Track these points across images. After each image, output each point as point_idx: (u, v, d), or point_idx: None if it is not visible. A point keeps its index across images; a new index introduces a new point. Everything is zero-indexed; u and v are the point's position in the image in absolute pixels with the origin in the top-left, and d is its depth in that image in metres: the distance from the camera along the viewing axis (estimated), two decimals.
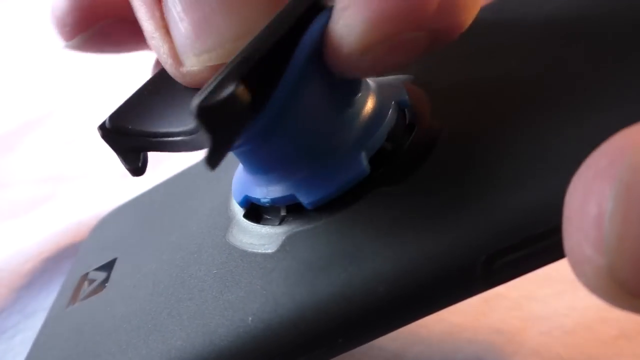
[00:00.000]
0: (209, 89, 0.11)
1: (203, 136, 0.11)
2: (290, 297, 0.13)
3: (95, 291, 0.18)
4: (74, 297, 0.18)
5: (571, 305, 0.19)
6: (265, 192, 0.14)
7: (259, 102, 0.12)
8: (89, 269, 0.19)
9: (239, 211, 0.15)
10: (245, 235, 0.15)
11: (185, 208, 0.18)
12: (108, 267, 0.19)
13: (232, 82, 0.11)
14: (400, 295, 0.12)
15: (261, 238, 0.14)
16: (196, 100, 0.11)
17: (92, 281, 0.19)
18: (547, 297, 0.19)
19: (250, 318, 0.13)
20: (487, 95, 0.14)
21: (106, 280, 0.18)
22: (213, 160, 0.11)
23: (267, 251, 0.14)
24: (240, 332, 0.13)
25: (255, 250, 0.14)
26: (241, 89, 0.11)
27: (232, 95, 0.11)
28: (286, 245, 0.14)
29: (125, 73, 0.43)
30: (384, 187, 0.13)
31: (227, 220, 0.16)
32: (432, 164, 0.13)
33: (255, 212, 0.15)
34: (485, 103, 0.14)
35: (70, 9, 0.17)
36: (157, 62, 0.19)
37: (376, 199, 0.13)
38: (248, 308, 0.13)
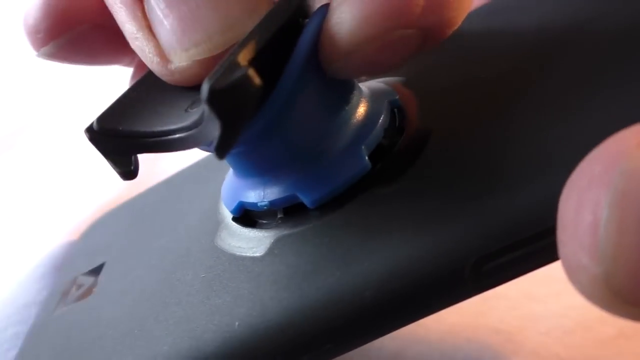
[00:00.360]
0: (218, 73, 0.11)
1: (212, 123, 0.11)
2: (277, 302, 0.12)
3: (83, 295, 0.18)
4: (61, 301, 0.18)
5: (570, 305, 0.19)
6: (262, 195, 0.14)
7: (265, 92, 0.12)
8: (78, 273, 0.19)
9: (228, 215, 0.15)
10: (234, 238, 0.15)
11: (175, 212, 0.18)
12: (96, 271, 0.18)
13: (241, 65, 0.11)
14: (387, 300, 0.11)
15: (250, 241, 0.14)
16: (206, 84, 0.10)
17: (80, 285, 0.18)
18: (546, 297, 0.19)
19: (237, 323, 0.13)
20: (478, 98, 0.14)
21: (94, 284, 0.18)
22: (222, 149, 0.11)
23: (255, 255, 0.14)
24: (227, 337, 0.13)
25: (243, 254, 0.14)
26: (252, 71, 0.11)
27: (245, 77, 0.11)
28: (274, 249, 0.13)
29: (113, 75, 0.43)
30: (373, 189, 0.13)
31: (216, 223, 0.16)
32: (421, 165, 0.13)
33: (246, 216, 0.15)
34: (476, 106, 0.13)
35: (43, 15, 0.17)
36: (135, 73, 0.18)
37: (365, 201, 0.13)
38: (235, 313, 0.13)
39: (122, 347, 0.14)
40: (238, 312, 0.13)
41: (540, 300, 0.19)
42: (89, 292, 0.18)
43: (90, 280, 0.18)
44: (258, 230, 0.14)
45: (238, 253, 0.14)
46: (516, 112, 0.13)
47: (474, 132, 0.13)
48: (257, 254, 0.14)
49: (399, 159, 0.13)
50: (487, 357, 0.18)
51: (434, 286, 0.11)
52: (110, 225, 0.21)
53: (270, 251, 0.13)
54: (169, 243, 0.17)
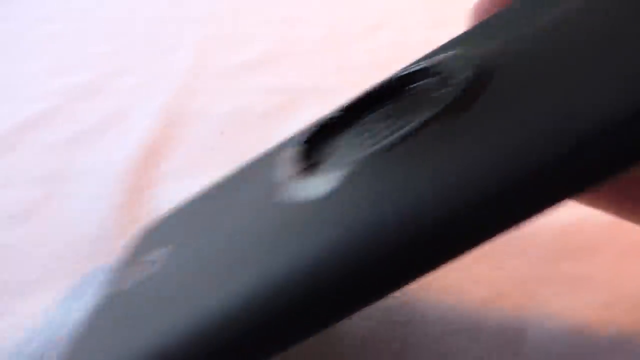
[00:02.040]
0: None
1: None
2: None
3: (145, 275, 0.19)
4: (124, 281, 0.19)
5: (572, 305, 0.19)
6: None
7: None
8: (140, 256, 0.20)
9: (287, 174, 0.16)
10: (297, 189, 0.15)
11: (231, 203, 0.19)
12: (158, 253, 0.19)
13: None
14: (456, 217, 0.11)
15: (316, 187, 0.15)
16: None
17: (142, 264, 0.19)
18: (547, 297, 0.19)
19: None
20: (539, 48, 0.14)
21: (154, 264, 0.19)
22: None
23: (317, 197, 0.14)
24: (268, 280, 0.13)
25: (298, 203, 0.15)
26: None
27: None
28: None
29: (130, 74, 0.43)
30: (435, 126, 0.13)
31: (273, 190, 0.16)
32: (486, 100, 0.13)
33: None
34: (537, 52, 0.14)
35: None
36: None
37: (429, 137, 0.13)
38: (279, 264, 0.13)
39: (182, 305, 0.15)
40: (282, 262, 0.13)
41: (542, 300, 0.19)
42: (149, 270, 0.19)
43: (152, 260, 0.19)
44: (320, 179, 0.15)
45: (296, 201, 0.15)
46: (582, 48, 0.13)
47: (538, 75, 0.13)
48: (317, 197, 0.14)
49: (464, 97, 0.13)
50: (489, 357, 0.18)
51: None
52: (158, 230, 0.22)
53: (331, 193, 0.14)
54: (230, 221, 0.18)
